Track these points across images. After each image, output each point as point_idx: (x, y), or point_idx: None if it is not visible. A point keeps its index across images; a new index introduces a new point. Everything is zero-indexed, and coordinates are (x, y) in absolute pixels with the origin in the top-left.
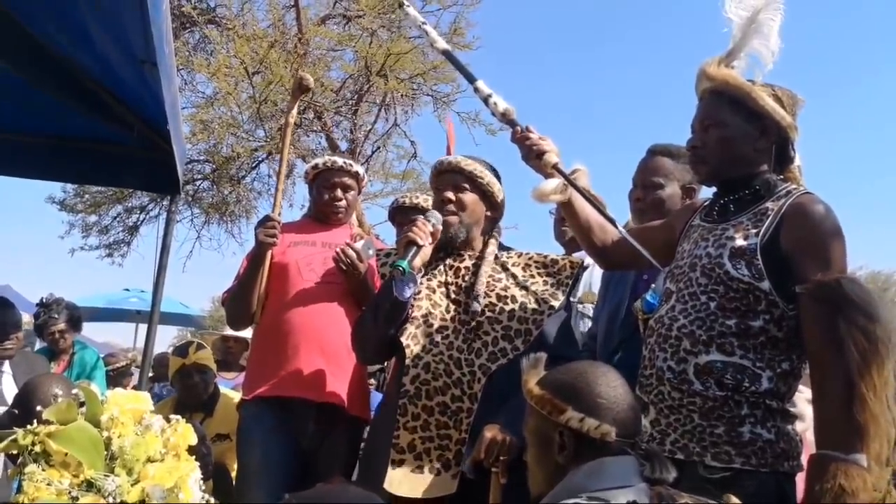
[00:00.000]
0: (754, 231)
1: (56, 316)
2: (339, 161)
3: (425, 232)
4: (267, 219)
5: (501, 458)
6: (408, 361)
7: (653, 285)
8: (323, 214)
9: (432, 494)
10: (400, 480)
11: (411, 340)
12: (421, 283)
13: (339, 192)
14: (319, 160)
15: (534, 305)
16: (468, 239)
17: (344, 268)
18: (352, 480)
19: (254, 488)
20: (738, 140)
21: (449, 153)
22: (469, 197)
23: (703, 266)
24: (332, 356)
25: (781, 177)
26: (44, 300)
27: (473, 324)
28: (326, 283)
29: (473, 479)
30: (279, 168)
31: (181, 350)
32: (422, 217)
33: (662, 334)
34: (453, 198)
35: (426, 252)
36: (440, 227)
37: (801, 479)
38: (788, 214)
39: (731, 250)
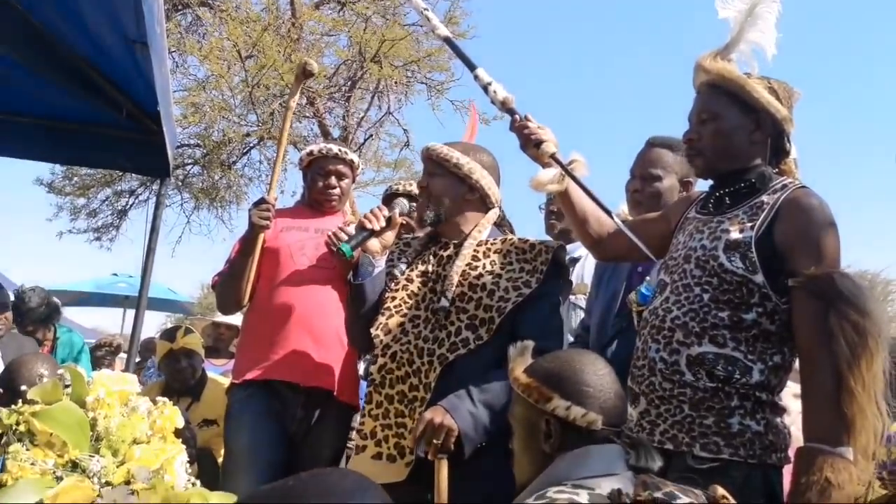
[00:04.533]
0: (749, 224)
1: (21, 317)
2: (335, 149)
3: (378, 217)
4: (262, 201)
5: (434, 441)
6: (377, 351)
7: (647, 278)
8: (317, 202)
9: (379, 480)
10: (356, 466)
11: (381, 330)
12: (404, 273)
13: (333, 180)
14: (314, 147)
15: (501, 293)
16: (448, 223)
17: (335, 249)
18: (340, 467)
19: (241, 472)
20: (734, 133)
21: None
22: (437, 182)
23: (697, 258)
24: (323, 341)
25: (777, 170)
26: (10, 296)
27: (442, 314)
28: (319, 267)
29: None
30: (277, 152)
31: (169, 334)
32: (380, 204)
33: (656, 325)
34: (424, 184)
35: (388, 237)
36: (405, 214)
37: (788, 472)
38: (783, 208)
39: (726, 243)
